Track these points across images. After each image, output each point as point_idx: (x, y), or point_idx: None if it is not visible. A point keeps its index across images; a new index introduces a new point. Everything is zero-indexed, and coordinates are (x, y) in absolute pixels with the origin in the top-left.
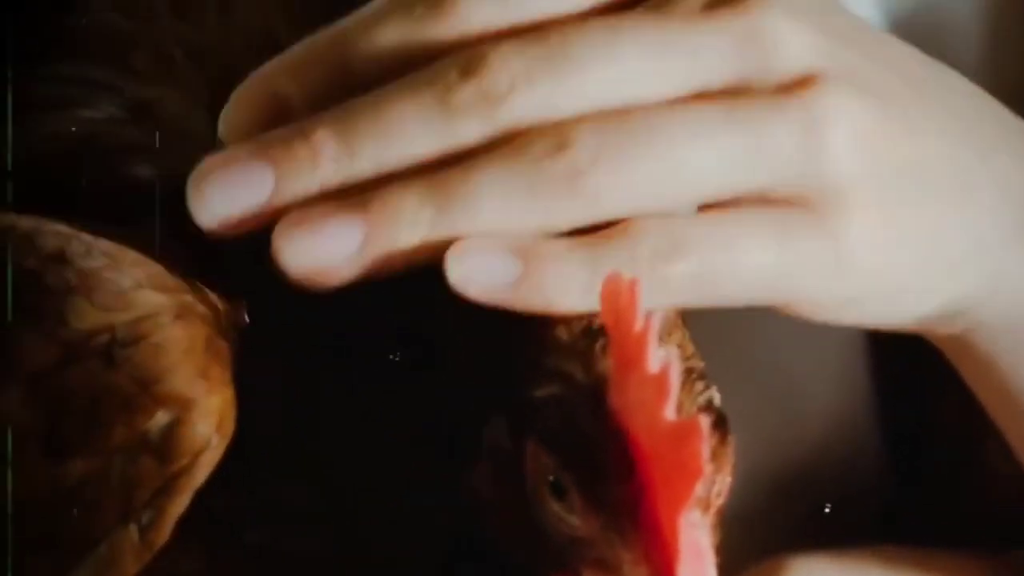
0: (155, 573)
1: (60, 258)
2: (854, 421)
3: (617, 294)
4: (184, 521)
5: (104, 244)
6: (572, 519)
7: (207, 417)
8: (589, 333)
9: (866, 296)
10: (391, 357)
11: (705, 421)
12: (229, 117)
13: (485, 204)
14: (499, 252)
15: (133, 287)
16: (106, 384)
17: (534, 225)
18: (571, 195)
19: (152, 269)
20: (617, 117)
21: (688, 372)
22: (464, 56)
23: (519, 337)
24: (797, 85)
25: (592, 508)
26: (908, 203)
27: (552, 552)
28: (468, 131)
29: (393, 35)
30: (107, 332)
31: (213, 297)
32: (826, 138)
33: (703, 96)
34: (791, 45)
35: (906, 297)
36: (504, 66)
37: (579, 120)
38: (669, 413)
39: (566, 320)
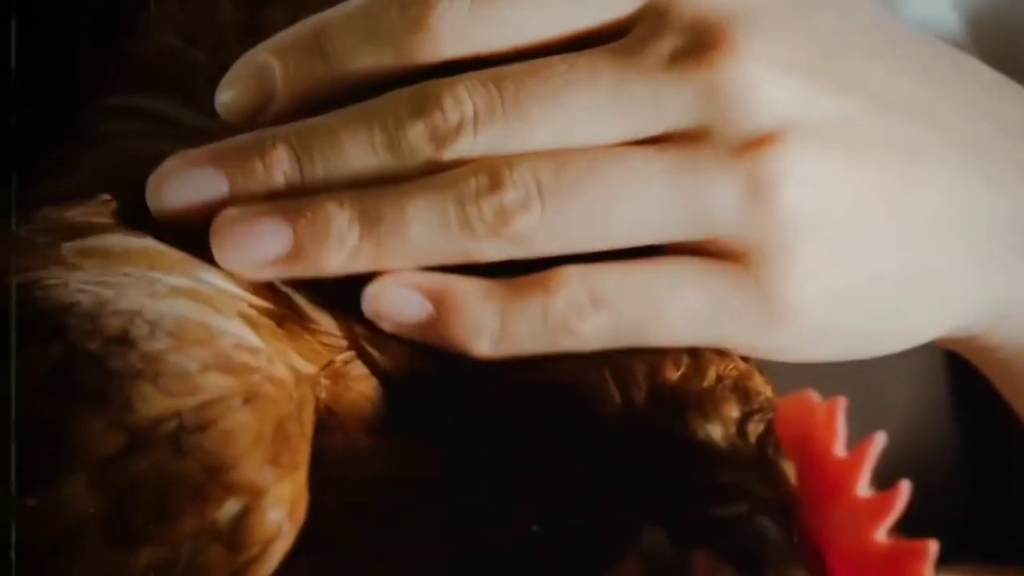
0: None
1: (123, 340)
2: (933, 424)
3: (809, 413)
4: None
5: (168, 322)
6: None
7: (278, 505)
8: (765, 442)
9: (818, 343)
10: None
11: (934, 546)
12: (222, 90)
13: (412, 231)
14: (413, 291)
15: (200, 370)
16: (174, 472)
17: (458, 258)
18: (495, 235)
19: (217, 347)
20: (557, 158)
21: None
22: (419, 93)
23: (678, 451)
24: (757, 142)
25: None
26: (870, 258)
27: None
28: (414, 166)
29: (366, 35)
30: (174, 418)
31: (283, 370)
32: (772, 199)
33: (659, 145)
34: (759, 99)
35: (872, 340)
36: (455, 108)
37: (519, 158)
38: (882, 536)
39: (725, 423)
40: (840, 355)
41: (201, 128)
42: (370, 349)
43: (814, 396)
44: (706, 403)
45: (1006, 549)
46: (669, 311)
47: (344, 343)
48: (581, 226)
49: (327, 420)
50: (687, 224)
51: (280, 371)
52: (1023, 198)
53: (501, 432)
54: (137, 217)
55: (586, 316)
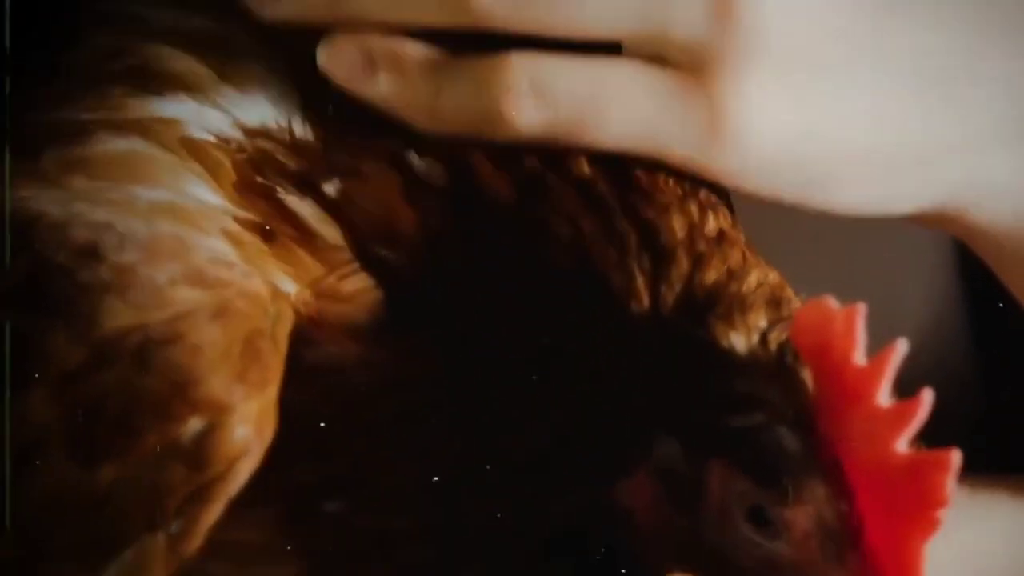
0: (237, 535)
1: (92, 252)
2: (947, 334)
3: (828, 321)
4: (261, 485)
5: (140, 235)
6: (776, 545)
7: (245, 423)
8: (784, 349)
9: (769, 174)
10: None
11: (956, 455)
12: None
13: None
14: (359, 51)
15: (169, 283)
16: (137, 388)
17: (414, 23)
18: (460, 9)
19: (190, 261)
20: None
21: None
22: None
23: (696, 358)
24: None
25: (806, 535)
26: (830, 99)
27: (730, 572)
28: None
29: None
30: (140, 332)
31: (259, 285)
32: (738, 11)
33: None
34: None
35: (831, 190)
36: None
37: None
38: (902, 446)
39: (750, 331)
40: (794, 195)
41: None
42: (380, 249)
43: (832, 302)
44: (736, 310)
45: (1020, 460)
46: (611, 110)
47: (348, 255)
48: (542, 9)
49: (317, 333)
50: (650, 21)
51: (256, 286)
52: (1012, 79)
53: (514, 332)
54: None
55: (524, 104)
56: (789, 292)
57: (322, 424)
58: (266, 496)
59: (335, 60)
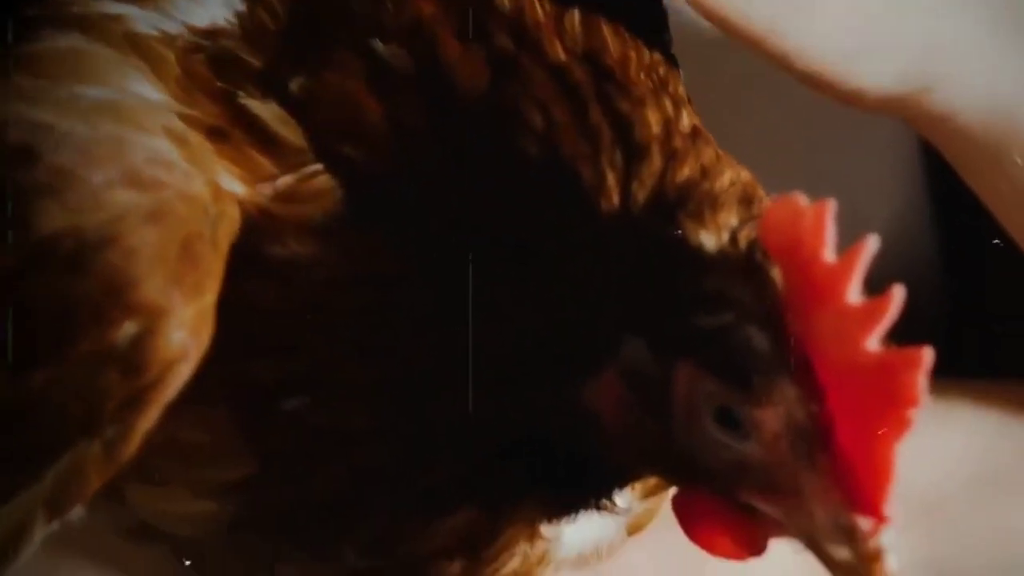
0: (188, 436)
1: (28, 153)
2: (913, 237)
3: (797, 217)
4: (218, 384)
5: (78, 136)
6: (745, 446)
7: (180, 328)
8: (754, 247)
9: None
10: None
11: (928, 353)
12: None
13: None
14: None
15: (105, 185)
16: (71, 291)
17: None
18: None
19: (128, 163)
20: None
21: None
22: None
23: (664, 257)
24: None
25: (776, 436)
26: None
27: (699, 473)
28: None
29: None
30: (75, 235)
31: (200, 187)
32: None
33: None
34: None
35: (808, 20)
36: None
37: None
38: (873, 345)
39: (720, 229)
40: (765, 23)
41: None
42: (345, 147)
43: (801, 199)
44: (706, 207)
45: (986, 365)
46: None
47: (309, 157)
48: None
49: (276, 231)
50: None
51: (196, 187)
52: None
53: (482, 227)
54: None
55: None
56: (760, 191)
57: (281, 322)
58: (220, 395)
59: None
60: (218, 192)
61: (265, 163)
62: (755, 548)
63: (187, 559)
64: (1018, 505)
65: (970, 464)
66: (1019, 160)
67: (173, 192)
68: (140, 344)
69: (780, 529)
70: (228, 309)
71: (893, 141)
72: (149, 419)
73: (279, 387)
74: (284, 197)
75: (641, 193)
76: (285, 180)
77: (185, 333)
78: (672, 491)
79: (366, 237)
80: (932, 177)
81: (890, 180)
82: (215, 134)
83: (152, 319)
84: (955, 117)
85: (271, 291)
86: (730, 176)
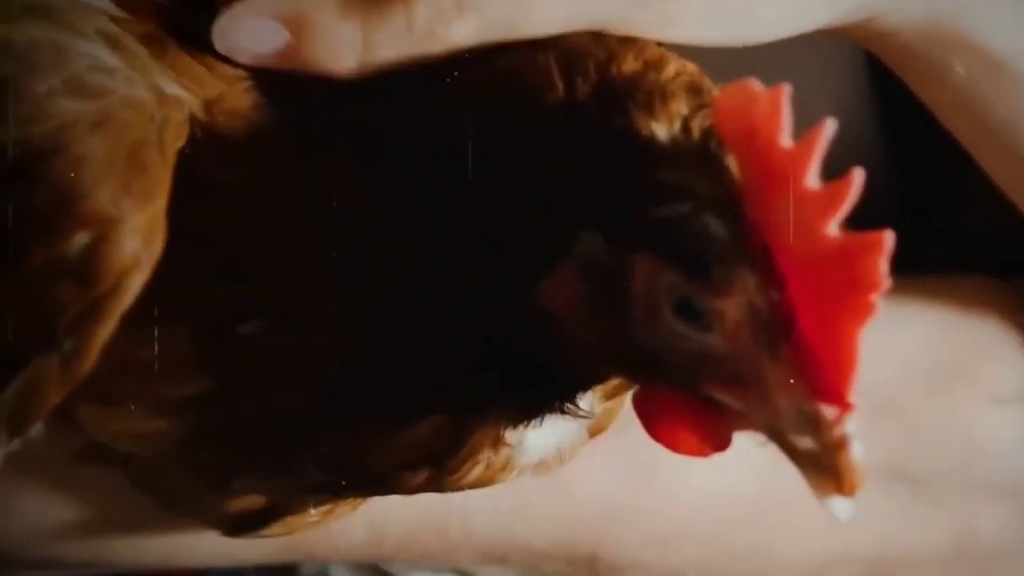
0: (140, 353)
1: None
2: (859, 139)
3: (752, 103)
4: (175, 306)
5: (17, 45)
6: (706, 337)
7: (133, 236)
8: (708, 136)
9: (704, 21)
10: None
11: (890, 236)
12: None
13: None
14: (266, 19)
15: (48, 94)
16: (19, 204)
17: None
18: None
19: (70, 70)
20: None
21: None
22: None
23: (618, 149)
24: None
25: (737, 325)
26: None
27: (660, 369)
28: None
29: None
30: (21, 146)
31: (143, 92)
32: None
33: None
34: None
35: (758, 24)
36: None
37: None
38: (833, 229)
39: (671, 119)
40: (727, 37)
41: None
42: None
43: (756, 84)
44: (656, 97)
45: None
46: (533, 3)
47: (244, 73)
48: None
49: (224, 151)
50: None
51: (139, 92)
52: None
53: (428, 134)
54: None
55: (450, 21)
56: (708, 81)
57: (235, 244)
58: (177, 315)
59: (234, 34)
60: (161, 96)
61: (202, 71)
62: (718, 443)
63: (140, 483)
64: (970, 401)
65: (922, 362)
66: (961, 70)
67: (117, 98)
68: (93, 254)
69: (743, 422)
70: (178, 234)
71: (838, 53)
72: (106, 330)
73: (235, 312)
74: (226, 112)
75: (587, 85)
76: (226, 94)
77: (137, 241)
78: (632, 391)
79: (311, 155)
80: (874, 77)
81: (832, 76)
82: (149, 40)
83: (104, 228)
84: (897, 35)
85: (220, 216)
86: (675, 67)
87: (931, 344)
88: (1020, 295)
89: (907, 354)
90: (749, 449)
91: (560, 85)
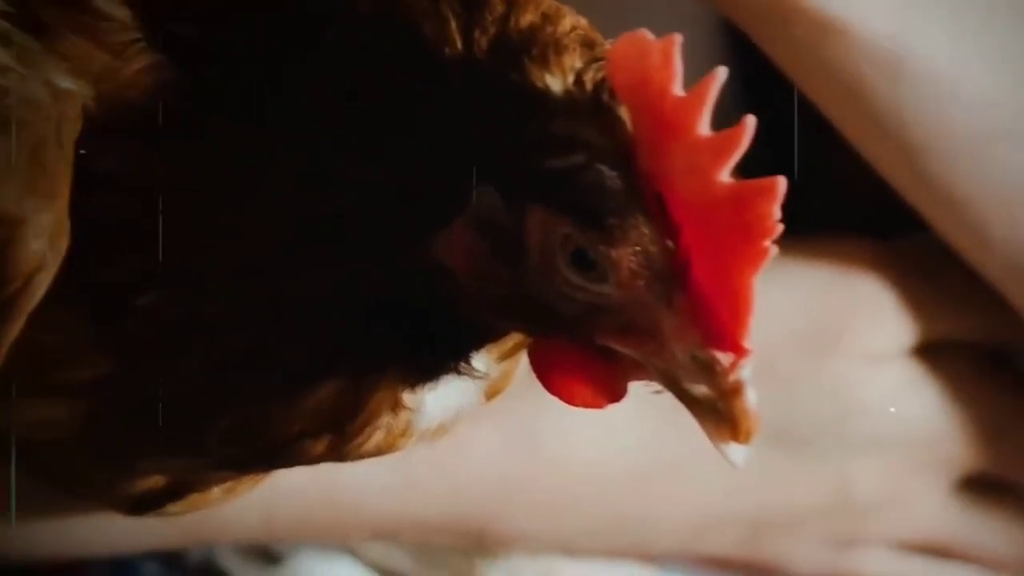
0: (37, 338)
1: None
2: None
3: (644, 54)
4: (71, 285)
5: None
6: (601, 287)
7: (38, 236)
8: (600, 88)
9: None
10: None
11: (782, 182)
12: None
13: None
14: None
15: None
16: None
17: None
18: None
19: None
20: None
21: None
22: None
23: (510, 102)
24: None
25: (633, 275)
26: None
27: (555, 321)
28: None
29: None
30: None
31: (39, 90)
32: None
33: None
34: None
35: None
36: None
37: None
38: (725, 176)
39: (565, 72)
40: None
41: None
42: (174, 25)
43: (648, 35)
44: (551, 51)
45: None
46: None
47: (135, 35)
48: None
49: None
50: None
51: (35, 91)
52: None
53: (323, 87)
54: None
55: None
56: (600, 36)
57: (125, 219)
58: (69, 296)
59: None
60: (56, 93)
61: (92, 51)
62: (614, 394)
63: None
64: (846, 360)
65: (799, 323)
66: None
67: (14, 99)
68: (1, 255)
69: (639, 372)
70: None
71: (696, 16)
72: (15, 330)
73: (131, 285)
74: (111, 80)
75: (484, 39)
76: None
77: (44, 241)
78: (528, 346)
79: (203, 119)
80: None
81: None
82: (37, 28)
83: (9, 230)
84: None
85: (113, 190)
86: (571, 21)
87: (808, 306)
88: (895, 254)
89: (784, 316)
90: (632, 418)
91: (458, 39)
